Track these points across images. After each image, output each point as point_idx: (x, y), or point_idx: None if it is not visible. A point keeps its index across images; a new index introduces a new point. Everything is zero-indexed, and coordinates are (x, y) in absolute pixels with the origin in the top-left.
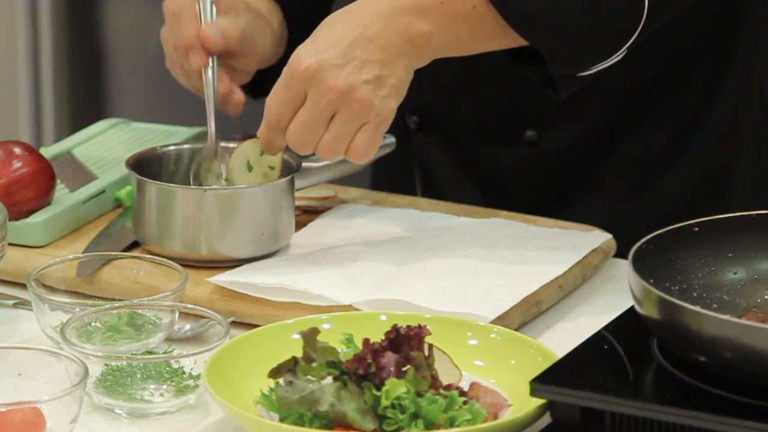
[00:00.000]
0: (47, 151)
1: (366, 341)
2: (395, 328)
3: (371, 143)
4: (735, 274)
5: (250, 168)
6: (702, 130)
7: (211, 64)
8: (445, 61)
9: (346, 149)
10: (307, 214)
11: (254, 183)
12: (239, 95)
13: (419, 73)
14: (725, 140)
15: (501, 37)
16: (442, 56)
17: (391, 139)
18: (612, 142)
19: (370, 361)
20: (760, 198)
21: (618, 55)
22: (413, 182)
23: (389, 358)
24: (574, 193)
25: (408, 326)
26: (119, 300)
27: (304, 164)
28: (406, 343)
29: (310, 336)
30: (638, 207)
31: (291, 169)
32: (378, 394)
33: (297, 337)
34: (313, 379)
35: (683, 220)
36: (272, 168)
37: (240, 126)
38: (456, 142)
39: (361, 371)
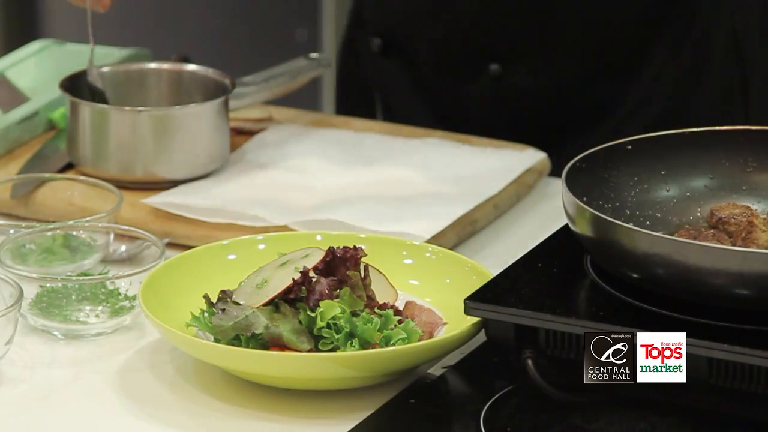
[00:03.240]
0: None
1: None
2: (331, 251)
3: None
4: (667, 191)
5: None
6: (670, 78)
7: None
8: None
9: None
10: (241, 135)
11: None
12: None
13: None
14: (692, 86)
15: None
16: None
17: (326, 59)
18: (579, 87)
19: (302, 284)
20: None
21: None
22: (373, 107)
23: (321, 283)
24: (537, 136)
25: (344, 248)
26: (54, 222)
27: (238, 85)
28: (342, 265)
29: None
30: None
31: (225, 90)
32: (313, 315)
33: (233, 257)
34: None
35: None
36: None
37: (175, 49)
38: (418, 70)
39: (292, 296)
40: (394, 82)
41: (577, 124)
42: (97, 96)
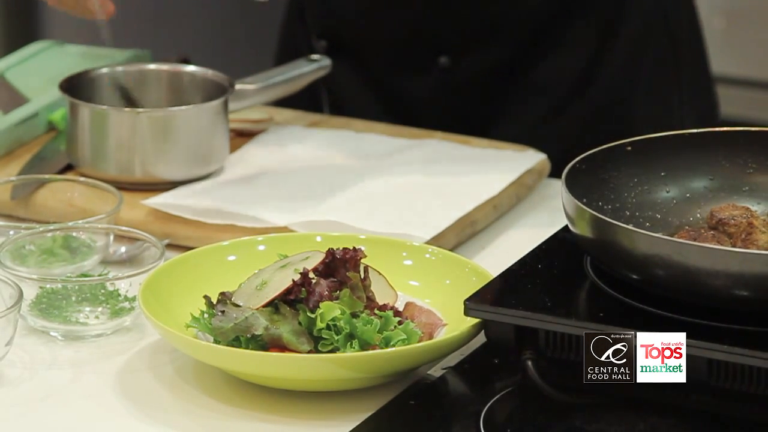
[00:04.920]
0: None
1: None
2: (330, 252)
3: None
4: (667, 192)
5: None
6: (608, 57)
7: None
8: None
9: None
10: (241, 137)
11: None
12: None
13: None
14: (630, 66)
15: None
16: None
17: (327, 62)
18: (524, 68)
19: (301, 286)
20: (660, 122)
21: None
22: (320, 106)
23: (321, 285)
24: (488, 120)
25: (344, 249)
26: (54, 223)
27: (238, 87)
28: (341, 266)
29: None
30: (549, 132)
31: (224, 91)
32: (312, 316)
33: (233, 258)
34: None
35: (589, 144)
36: None
37: (175, 50)
38: (367, 68)
39: (292, 297)
40: (342, 81)
41: (524, 101)
42: (124, 95)
